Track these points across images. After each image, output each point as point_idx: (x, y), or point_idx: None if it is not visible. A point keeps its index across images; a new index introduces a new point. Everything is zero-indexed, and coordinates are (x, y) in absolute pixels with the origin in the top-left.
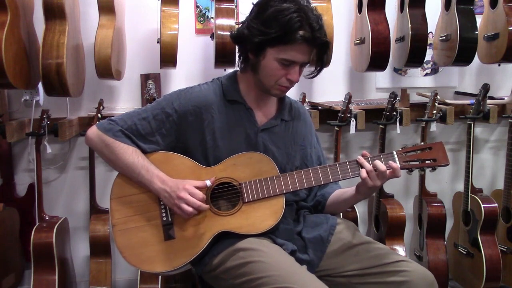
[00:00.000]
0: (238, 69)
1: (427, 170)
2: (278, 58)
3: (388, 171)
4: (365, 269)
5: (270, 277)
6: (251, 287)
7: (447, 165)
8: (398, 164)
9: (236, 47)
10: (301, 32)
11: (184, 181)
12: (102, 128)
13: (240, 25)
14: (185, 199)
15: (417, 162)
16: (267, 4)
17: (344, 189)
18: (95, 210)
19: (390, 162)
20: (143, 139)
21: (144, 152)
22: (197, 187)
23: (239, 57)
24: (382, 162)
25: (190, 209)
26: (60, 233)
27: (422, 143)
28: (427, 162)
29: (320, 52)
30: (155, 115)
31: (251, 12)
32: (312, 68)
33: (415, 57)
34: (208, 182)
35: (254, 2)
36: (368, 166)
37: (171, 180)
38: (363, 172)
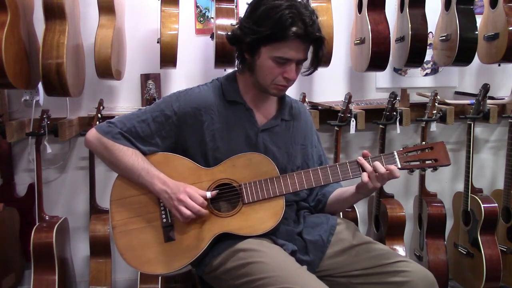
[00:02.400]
0: (236, 69)
1: (428, 170)
2: (272, 56)
3: (386, 172)
4: (366, 269)
5: (271, 277)
6: None
7: (448, 165)
8: (399, 165)
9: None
10: (293, 29)
11: (185, 184)
12: (101, 130)
13: (235, 26)
14: (185, 202)
15: (418, 162)
16: (259, 3)
17: (345, 188)
18: (95, 210)
19: (387, 165)
20: (142, 141)
21: (144, 154)
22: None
23: (236, 58)
24: (382, 162)
25: (188, 212)
26: (60, 233)
27: (423, 143)
28: (428, 162)
29: (315, 48)
30: (154, 117)
31: (245, 12)
32: (309, 65)
33: (415, 57)
34: (208, 194)
35: (248, 2)
36: (369, 167)
37: (172, 182)
38: (365, 176)
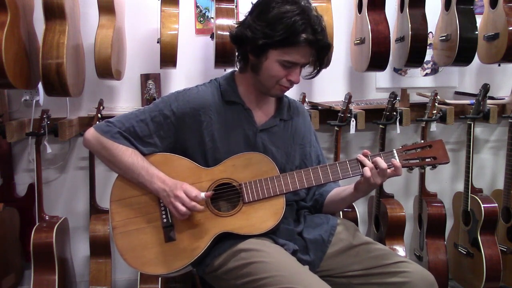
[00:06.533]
0: (236, 69)
1: (427, 168)
2: (280, 60)
3: (389, 170)
4: (366, 269)
5: (273, 277)
6: None
7: (447, 162)
8: (398, 163)
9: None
10: (304, 35)
11: (183, 182)
12: (100, 130)
13: (239, 25)
14: (181, 198)
15: (417, 160)
16: (268, 6)
17: (343, 187)
18: (95, 210)
19: (392, 160)
20: (141, 141)
21: (143, 154)
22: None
23: (237, 56)
24: (382, 159)
25: (184, 208)
26: (60, 233)
27: (422, 141)
28: (427, 160)
29: (321, 54)
30: (153, 117)
31: (251, 12)
32: (311, 69)
33: (415, 57)
34: (202, 195)
35: (254, 2)
36: (369, 163)
37: (171, 180)
38: (367, 171)
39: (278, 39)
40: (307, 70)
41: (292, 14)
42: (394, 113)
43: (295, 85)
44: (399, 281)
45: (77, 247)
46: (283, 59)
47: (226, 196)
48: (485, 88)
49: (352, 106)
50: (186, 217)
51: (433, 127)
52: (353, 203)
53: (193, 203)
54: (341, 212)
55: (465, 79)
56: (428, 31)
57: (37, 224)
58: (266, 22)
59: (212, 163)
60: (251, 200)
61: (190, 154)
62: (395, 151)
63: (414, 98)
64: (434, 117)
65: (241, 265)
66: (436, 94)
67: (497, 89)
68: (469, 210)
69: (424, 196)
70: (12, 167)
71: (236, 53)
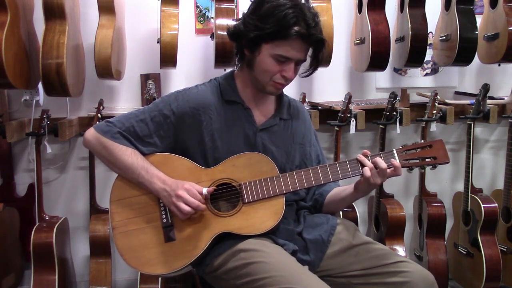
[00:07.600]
0: (235, 69)
1: (427, 168)
2: (273, 54)
3: (389, 170)
4: (366, 269)
5: (273, 277)
6: None
7: (447, 162)
8: (398, 163)
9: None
10: (296, 28)
11: (184, 182)
12: (100, 130)
13: (237, 22)
14: (184, 198)
15: (417, 160)
16: (263, 1)
17: (342, 187)
18: (95, 210)
19: (391, 160)
20: (141, 141)
21: (143, 154)
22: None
23: (235, 54)
24: (382, 160)
25: (187, 208)
26: (60, 233)
27: (422, 141)
28: (427, 160)
29: (315, 50)
30: (152, 117)
31: (248, 9)
32: (308, 66)
33: (415, 57)
34: (204, 190)
35: None
36: (369, 163)
37: (171, 180)
38: (367, 171)
39: (269, 32)
40: (304, 67)
41: (285, 7)
42: (394, 113)
43: (295, 85)
44: (399, 281)
45: (77, 247)
46: (276, 53)
47: (226, 196)
48: (485, 88)
49: (352, 106)
50: (188, 216)
51: (433, 127)
52: (353, 203)
53: (197, 203)
54: (341, 212)
55: (465, 79)
56: (428, 31)
57: (37, 224)
58: (259, 16)
59: (212, 162)
60: (251, 200)
61: (190, 153)
62: (395, 151)
63: (414, 98)
64: (434, 117)
65: (241, 265)
66: (436, 94)
67: (497, 89)
68: (469, 210)
69: (424, 196)
70: (12, 167)
71: (235, 51)
